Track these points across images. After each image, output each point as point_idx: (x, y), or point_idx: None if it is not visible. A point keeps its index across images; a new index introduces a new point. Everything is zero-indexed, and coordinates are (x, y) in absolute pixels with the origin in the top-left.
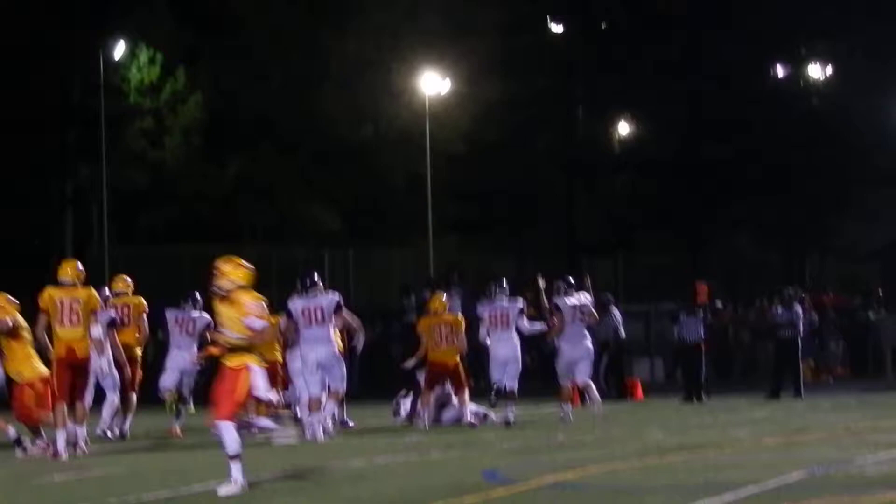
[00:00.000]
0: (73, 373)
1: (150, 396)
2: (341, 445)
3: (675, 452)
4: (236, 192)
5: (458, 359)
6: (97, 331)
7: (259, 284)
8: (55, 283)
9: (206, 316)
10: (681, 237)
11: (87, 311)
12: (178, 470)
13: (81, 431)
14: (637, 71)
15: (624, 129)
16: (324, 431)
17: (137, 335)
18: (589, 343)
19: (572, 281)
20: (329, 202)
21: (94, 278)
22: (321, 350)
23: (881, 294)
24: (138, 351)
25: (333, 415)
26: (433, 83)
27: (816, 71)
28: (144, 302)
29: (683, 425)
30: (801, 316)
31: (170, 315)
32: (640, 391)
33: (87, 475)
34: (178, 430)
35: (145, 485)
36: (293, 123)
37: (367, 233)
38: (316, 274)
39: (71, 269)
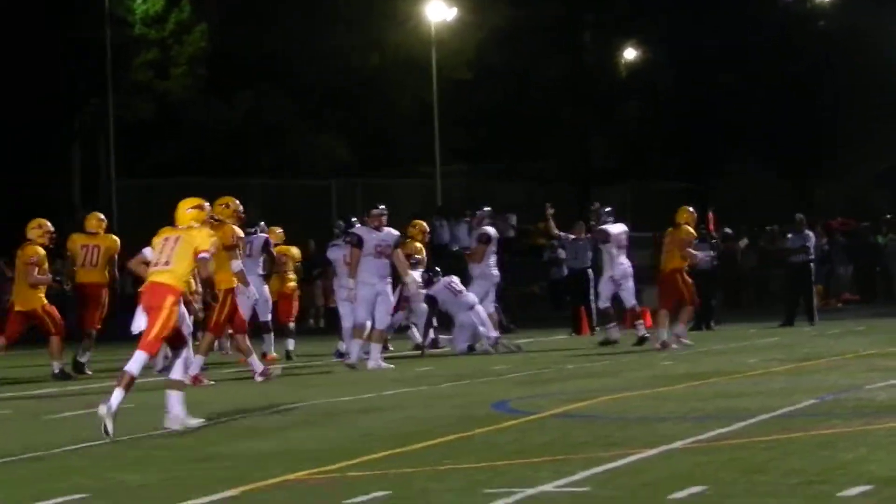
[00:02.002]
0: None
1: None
2: (351, 378)
3: (685, 381)
4: (243, 124)
5: None
6: None
7: (269, 215)
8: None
9: (262, 235)
10: (690, 163)
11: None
12: (190, 403)
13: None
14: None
15: (631, 54)
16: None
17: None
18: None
19: (609, 209)
20: (336, 132)
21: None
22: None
23: (889, 218)
24: (104, 291)
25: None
26: (439, 10)
27: None
28: (117, 241)
29: (693, 353)
30: (814, 241)
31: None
32: (649, 319)
33: (96, 410)
34: (274, 354)
35: (155, 419)
36: (299, 53)
37: (374, 163)
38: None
39: (94, 220)
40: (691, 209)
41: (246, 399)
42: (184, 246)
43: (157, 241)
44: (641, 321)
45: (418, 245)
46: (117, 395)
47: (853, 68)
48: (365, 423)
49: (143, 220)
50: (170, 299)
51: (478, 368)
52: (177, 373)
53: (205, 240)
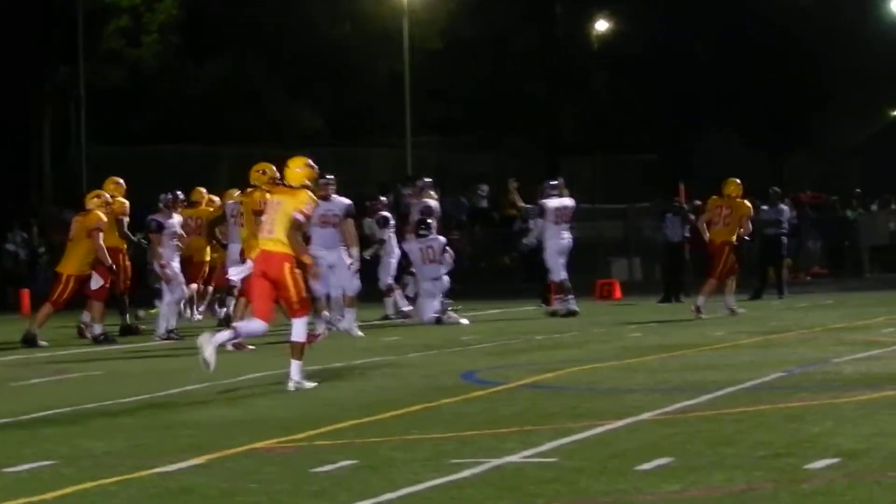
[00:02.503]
0: None
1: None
2: (319, 347)
3: (654, 352)
4: (216, 92)
5: None
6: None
7: (240, 184)
8: None
9: None
10: (661, 136)
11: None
12: (157, 372)
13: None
14: None
15: (602, 26)
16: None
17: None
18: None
19: (555, 183)
20: (309, 101)
21: (72, 179)
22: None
23: (859, 192)
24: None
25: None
26: None
27: None
28: (125, 204)
29: (662, 325)
30: (787, 214)
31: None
32: (618, 291)
33: (66, 378)
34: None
35: (123, 388)
36: (272, 22)
37: (346, 132)
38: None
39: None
40: (738, 181)
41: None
42: (282, 211)
43: (270, 200)
44: (571, 295)
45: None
46: (295, 366)
47: (825, 41)
48: (332, 392)
49: None
50: (286, 266)
51: (447, 339)
52: (297, 336)
53: (303, 202)
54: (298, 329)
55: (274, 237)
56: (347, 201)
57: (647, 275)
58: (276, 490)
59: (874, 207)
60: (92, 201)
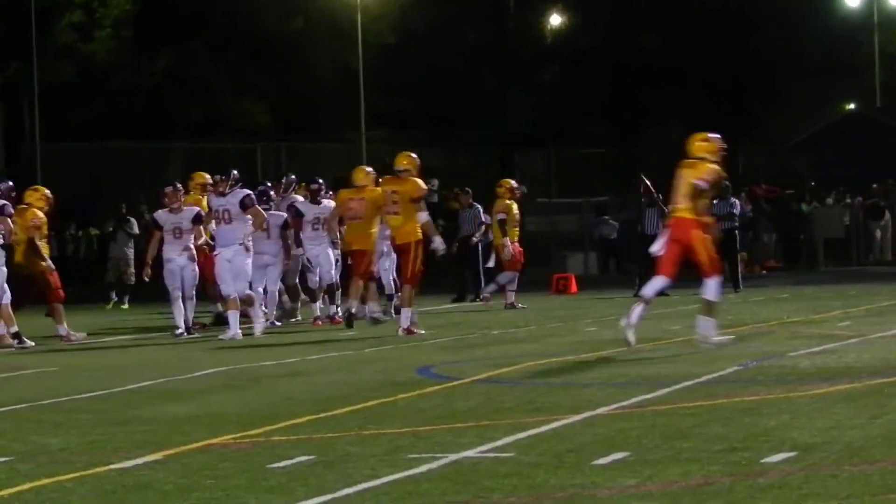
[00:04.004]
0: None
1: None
2: (275, 343)
3: (610, 347)
4: (168, 87)
5: None
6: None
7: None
8: None
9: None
10: (613, 128)
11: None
12: (112, 368)
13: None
14: None
15: (555, 20)
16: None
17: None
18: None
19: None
20: (260, 96)
21: (26, 174)
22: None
23: (813, 185)
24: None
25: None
26: None
27: None
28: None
29: (618, 319)
30: (739, 208)
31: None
32: (574, 286)
33: (21, 374)
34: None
35: (78, 384)
36: (224, 16)
37: (298, 127)
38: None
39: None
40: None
41: (168, 363)
42: (687, 182)
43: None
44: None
45: (507, 202)
46: (637, 311)
47: (777, 34)
48: (288, 387)
49: (68, 183)
50: (695, 232)
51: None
52: (710, 294)
53: (703, 171)
54: (711, 288)
55: (684, 205)
56: (333, 204)
57: (602, 269)
58: (232, 486)
59: (829, 201)
60: (30, 197)
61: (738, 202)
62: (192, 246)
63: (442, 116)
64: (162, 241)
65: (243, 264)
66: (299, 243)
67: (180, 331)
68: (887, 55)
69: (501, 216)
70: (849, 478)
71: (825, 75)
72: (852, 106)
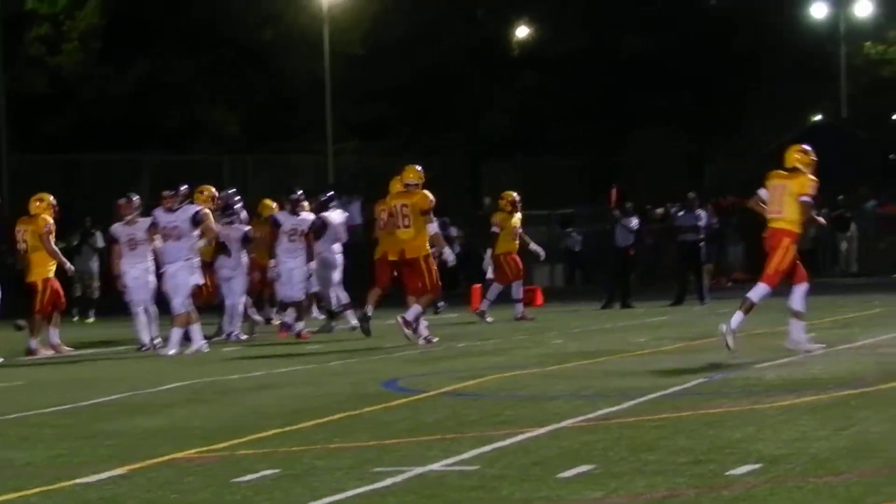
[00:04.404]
0: None
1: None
2: (242, 356)
3: (576, 359)
4: (137, 99)
5: None
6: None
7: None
8: None
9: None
10: (583, 138)
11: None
12: (78, 381)
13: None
14: None
15: (523, 31)
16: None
17: None
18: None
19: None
20: (229, 106)
21: None
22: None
23: None
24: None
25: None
26: None
27: None
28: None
29: (584, 332)
30: (705, 219)
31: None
32: (540, 297)
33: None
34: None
35: (44, 397)
36: (192, 27)
37: (267, 137)
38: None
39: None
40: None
41: (134, 377)
42: (788, 192)
43: (770, 184)
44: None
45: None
46: (737, 318)
47: (749, 44)
48: (255, 400)
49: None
50: (786, 241)
51: (368, 346)
52: (796, 304)
53: (804, 185)
54: (759, 291)
55: (782, 216)
56: (312, 216)
57: (567, 281)
58: (197, 500)
59: None
60: (35, 206)
61: (703, 214)
62: (149, 258)
63: (413, 127)
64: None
65: (185, 280)
66: (273, 255)
67: (145, 347)
68: (854, 66)
69: (496, 229)
70: (814, 490)
71: (795, 86)
72: (819, 117)
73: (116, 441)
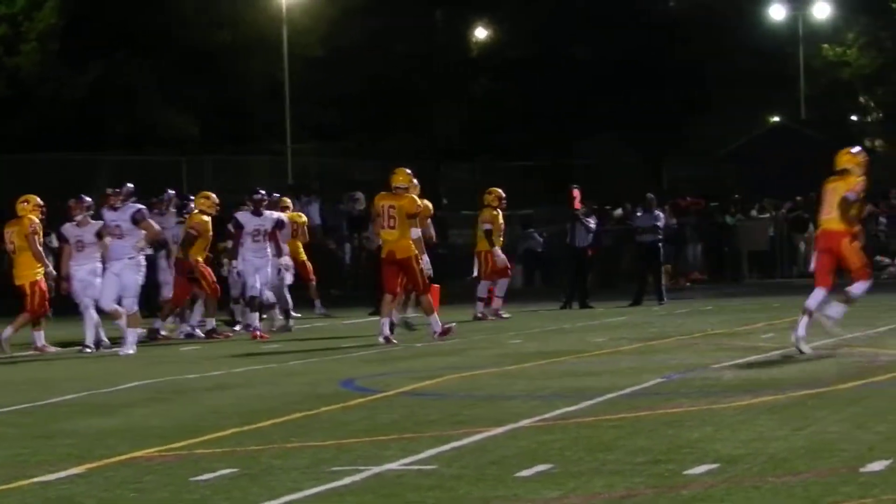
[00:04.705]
0: None
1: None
2: (200, 355)
3: (534, 359)
4: (94, 99)
5: None
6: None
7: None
8: None
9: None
10: (542, 140)
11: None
12: (36, 381)
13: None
14: None
15: (482, 33)
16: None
17: None
18: None
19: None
20: (187, 108)
21: None
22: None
23: (738, 197)
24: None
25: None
26: None
27: None
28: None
29: (542, 332)
30: (663, 220)
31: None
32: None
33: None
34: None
35: (2, 397)
36: (151, 28)
37: (225, 139)
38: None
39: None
40: None
41: (92, 376)
42: (837, 194)
43: (825, 188)
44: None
45: (494, 213)
46: (803, 322)
47: (705, 47)
48: (213, 400)
49: None
50: (844, 240)
51: (327, 346)
52: (855, 291)
53: (851, 184)
54: (858, 288)
55: (831, 216)
56: (278, 215)
57: (527, 282)
58: (155, 499)
59: (754, 213)
60: (21, 207)
61: (661, 214)
62: (97, 259)
63: (371, 129)
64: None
65: (132, 279)
66: (236, 255)
67: (87, 349)
68: (812, 68)
69: (487, 226)
70: (772, 490)
71: (754, 88)
72: (777, 118)
73: (75, 440)
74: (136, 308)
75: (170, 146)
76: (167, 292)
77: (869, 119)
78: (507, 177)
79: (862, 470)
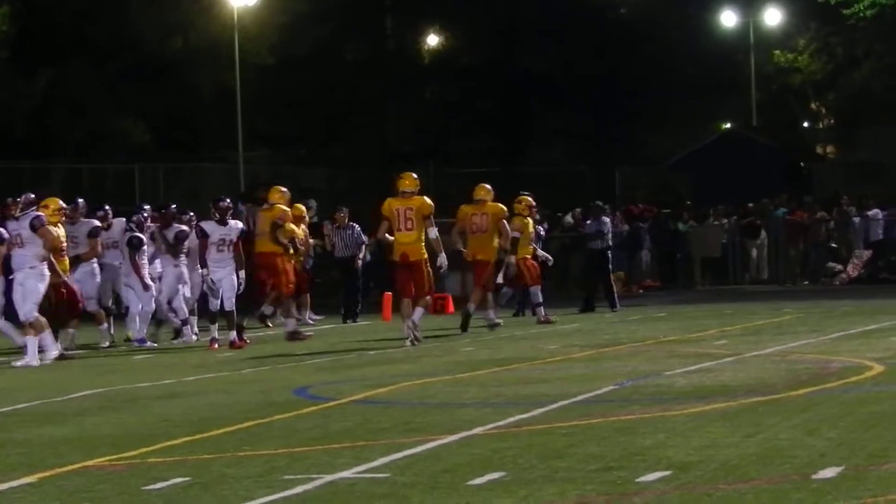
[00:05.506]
0: None
1: None
2: (152, 364)
3: (486, 367)
4: (46, 106)
5: None
6: None
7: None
8: None
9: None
10: (494, 147)
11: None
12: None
13: None
14: None
15: (433, 40)
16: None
17: None
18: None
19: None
20: (139, 116)
21: None
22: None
23: (690, 204)
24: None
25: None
26: None
27: None
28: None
29: (495, 339)
30: (610, 226)
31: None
32: (451, 306)
33: None
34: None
35: None
36: (102, 36)
37: (177, 147)
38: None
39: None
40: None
41: (43, 384)
42: None
43: None
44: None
45: (525, 220)
46: None
47: (657, 53)
48: (165, 408)
49: None
50: None
51: (280, 354)
52: None
53: None
54: None
55: None
56: (241, 225)
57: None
58: None
59: (711, 220)
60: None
61: (608, 221)
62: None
63: (323, 136)
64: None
65: (34, 287)
66: (203, 264)
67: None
68: (763, 74)
69: (516, 234)
70: (723, 496)
71: (705, 94)
72: (729, 125)
73: (26, 449)
74: (34, 315)
75: (122, 155)
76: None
77: (820, 125)
78: (459, 184)
79: (814, 477)
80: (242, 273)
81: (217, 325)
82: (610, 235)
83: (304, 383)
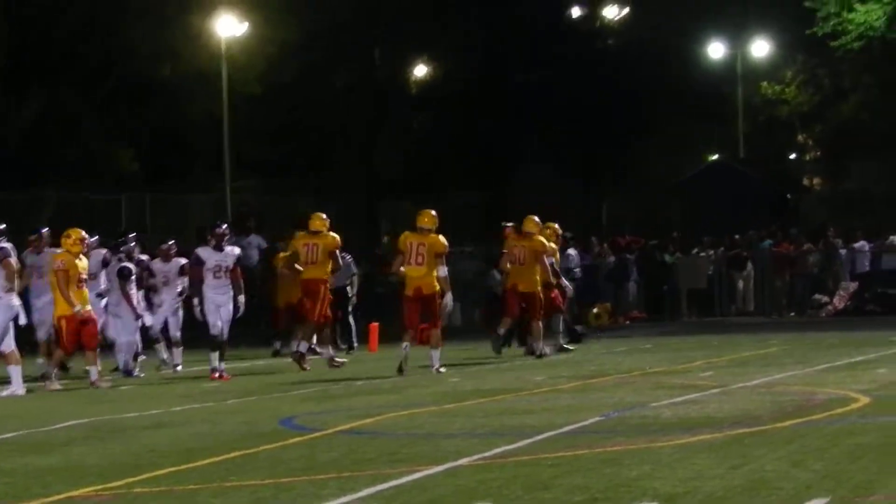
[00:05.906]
0: None
1: None
2: (138, 394)
3: (472, 397)
4: (34, 135)
5: None
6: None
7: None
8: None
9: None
10: (481, 177)
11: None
12: None
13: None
14: (434, 11)
15: (421, 70)
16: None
17: None
18: None
19: None
20: (127, 144)
21: None
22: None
23: (677, 236)
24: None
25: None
26: (230, 25)
27: (612, 12)
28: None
29: (481, 370)
30: (577, 260)
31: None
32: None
33: None
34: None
35: None
36: (90, 63)
37: (164, 176)
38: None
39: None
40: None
41: (29, 414)
42: None
43: None
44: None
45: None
46: None
47: (642, 87)
48: (151, 438)
49: None
50: None
51: (266, 384)
52: None
53: None
54: None
55: None
56: (237, 250)
57: (467, 319)
58: None
59: (696, 250)
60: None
61: (574, 254)
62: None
63: (311, 165)
64: None
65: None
66: (197, 293)
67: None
68: (751, 106)
69: (551, 260)
70: None
71: (693, 126)
72: (716, 156)
73: (11, 479)
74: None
75: (110, 184)
76: (115, 331)
77: (807, 157)
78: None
79: None
80: (242, 297)
81: (217, 353)
82: (578, 270)
83: (290, 413)
